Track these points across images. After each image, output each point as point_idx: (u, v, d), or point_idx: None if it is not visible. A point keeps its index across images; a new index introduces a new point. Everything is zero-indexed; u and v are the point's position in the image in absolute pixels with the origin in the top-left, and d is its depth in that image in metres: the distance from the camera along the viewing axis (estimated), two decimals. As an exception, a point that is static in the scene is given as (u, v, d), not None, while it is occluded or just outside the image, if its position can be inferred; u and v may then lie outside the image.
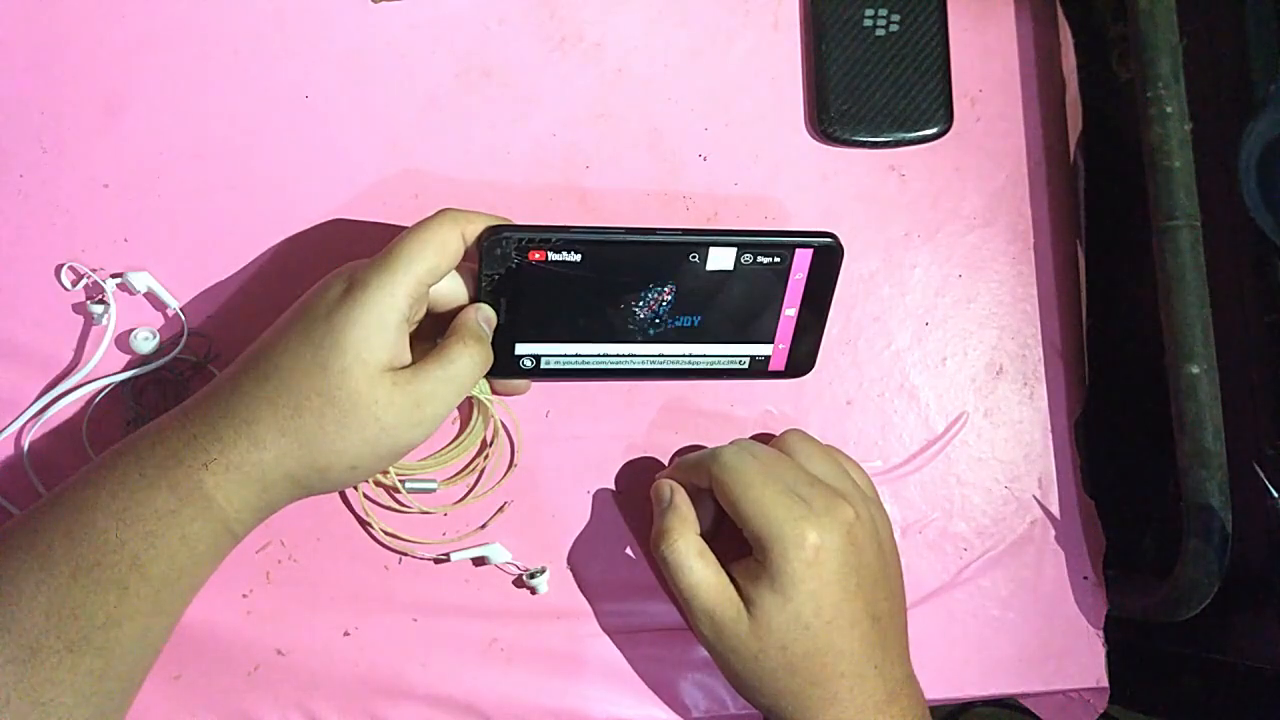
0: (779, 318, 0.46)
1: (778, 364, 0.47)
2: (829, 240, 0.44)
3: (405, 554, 0.47)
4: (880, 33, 0.52)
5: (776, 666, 0.41)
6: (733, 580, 0.42)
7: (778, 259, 0.44)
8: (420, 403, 0.38)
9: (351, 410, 0.37)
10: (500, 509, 0.48)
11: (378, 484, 0.47)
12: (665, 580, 0.44)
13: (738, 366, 0.47)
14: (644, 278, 0.43)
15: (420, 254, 0.39)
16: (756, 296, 0.45)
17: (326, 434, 0.37)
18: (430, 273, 0.39)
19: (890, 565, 0.44)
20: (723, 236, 0.43)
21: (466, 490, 0.48)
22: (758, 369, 0.47)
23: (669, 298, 0.44)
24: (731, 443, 0.45)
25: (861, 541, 0.42)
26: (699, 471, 0.44)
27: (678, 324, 0.45)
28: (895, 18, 0.52)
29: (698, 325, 0.45)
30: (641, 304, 0.44)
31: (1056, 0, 0.55)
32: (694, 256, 0.43)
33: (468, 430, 0.48)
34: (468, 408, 0.48)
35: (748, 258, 0.44)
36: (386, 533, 0.47)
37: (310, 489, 0.39)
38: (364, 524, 0.47)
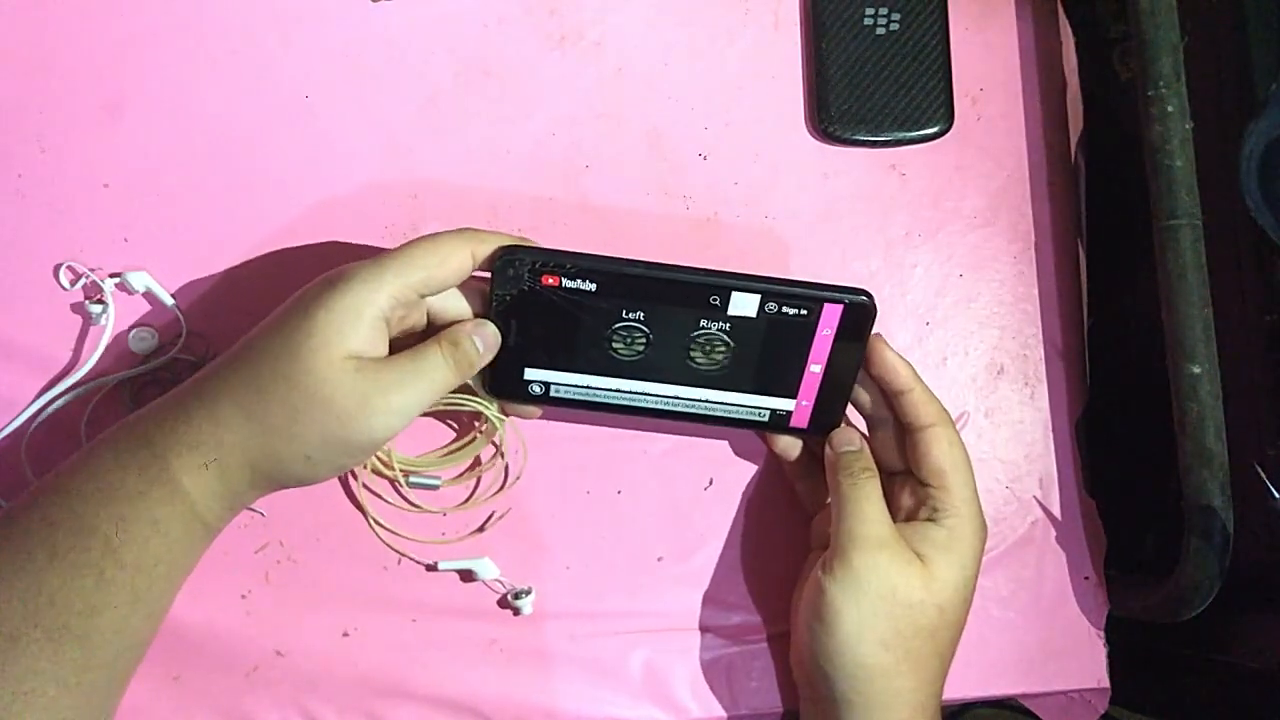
0: (803, 373, 0.43)
1: (799, 420, 0.45)
2: (862, 298, 0.42)
3: (402, 554, 0.47)
4: (881, 31, 0.52)
5: (921, 627, 0.41)
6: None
7: (804, 311, 0.42)
8: (382, 390, 0.38)
9: (309, 395, 0.37)
10: (501, 515, 0.48)
11: (378, 474, 0.47)
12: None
13: (756, 419, 0.45)
14: (660, 316, 0.42)
15: (419, 261, 0.39)
16: (779, 348, 0.43)
17: (285, 419, 0.37)
18: (424, 282, 0.39)
19: None
20: (747, 282, 0.41)
21: (469, 494, 0.48)
22: (778, 423, 0.45)
23: (686, 340, 0.42)
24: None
25: None
26: (923, 410, 0.44)
27: (694, 368, 0.43)
28: (896, 16, 0.52)
29: (715, 372, 0.43)
30: (658, 340, 0.42)
31: (1057, -1, 0.55)
32: (715, 299, 0.41)
33: (472, 435, 0.47)
34: (475, 417, 0.48)
35: (772, 306, 0.41)
36: (381, 525, 0.47)
37: (270, 479, 0.39)
38: (362, 512, 0.47)
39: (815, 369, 0.43)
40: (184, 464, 0.37)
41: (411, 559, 0.47)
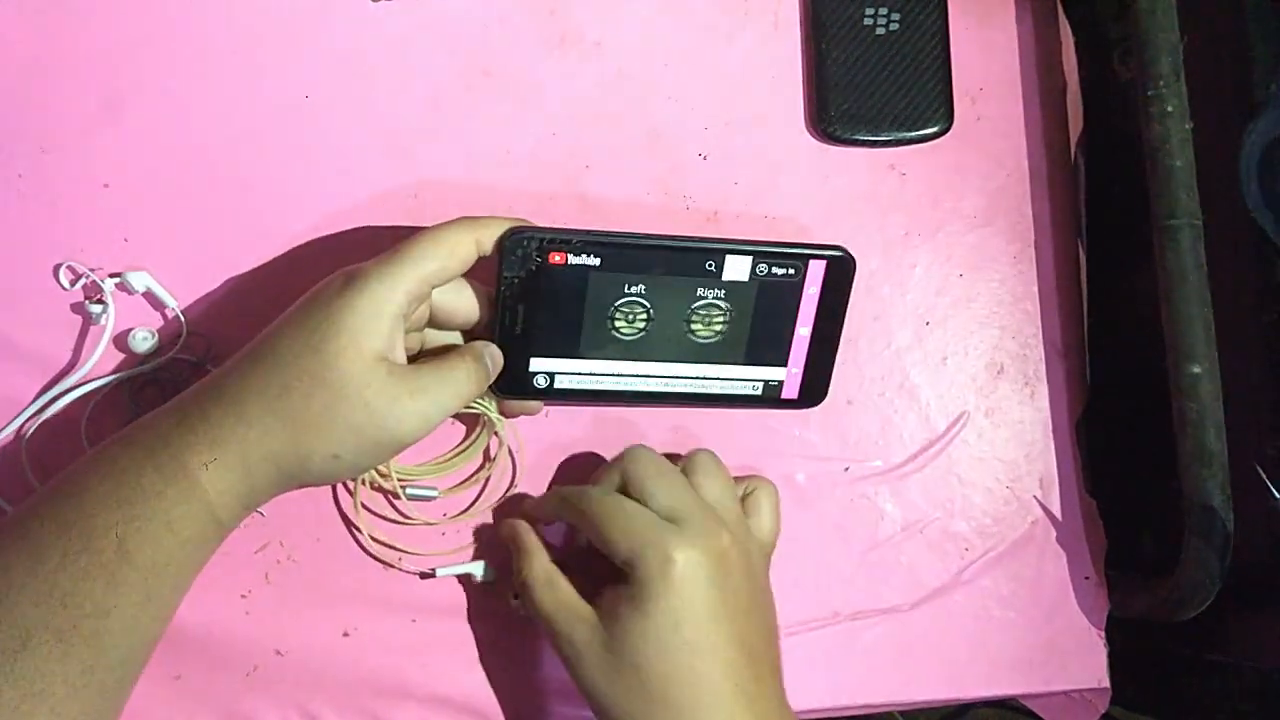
0: (792, 337, 0.46)
1: (790, 391, 0.47)
2: (840, 253, 0.45)
3: (392, 566, 0.47)
4: (880, 31, 0.52)
5: (631, 686, 0.39)
6: (599, 606, 0.41)
7: (792, 270, 0.44)
8: (412, 393, 0.38)
9: (340, 392, 0.37)
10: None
11: (376, 488, 0.47)
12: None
13: (751, 393, 0.47)
14: (660, 287, 0.44)
15: (428, 254, 0.39)
16: (770, 311, 0.45)
17: (312, 416, 0.37)
18: (436, 275, 0.39)
19: (761, 602, 0.43)
20: (738, 245, 0.43)
21: (468, 504, 0.48)
22: (770, 395, 0.47)
23: (685, 311, 0.44)
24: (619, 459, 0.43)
25: (732, 569, 0.40)
26: (566, 509, 0.43)
27: (692, 341, 0.45)
28: (895, 16, 0.52)
29: (712, 342, 0.45)
30: (658, 315, 0.44)
31: (1057, -1, 0.55)
32: (710, 265, 0.43)
33: (471, 439, 0.47)
34: (473, 421, 0.48)
35: (763, 268, 0.44)
36: (376, 540, 0.47)
37: (293, 477, 0.39)
38: (353, 529, 0.47)
39: (803, 331, 0.46)
40: (204, 461, 0.37)
41: (408, 570, 0.47)
